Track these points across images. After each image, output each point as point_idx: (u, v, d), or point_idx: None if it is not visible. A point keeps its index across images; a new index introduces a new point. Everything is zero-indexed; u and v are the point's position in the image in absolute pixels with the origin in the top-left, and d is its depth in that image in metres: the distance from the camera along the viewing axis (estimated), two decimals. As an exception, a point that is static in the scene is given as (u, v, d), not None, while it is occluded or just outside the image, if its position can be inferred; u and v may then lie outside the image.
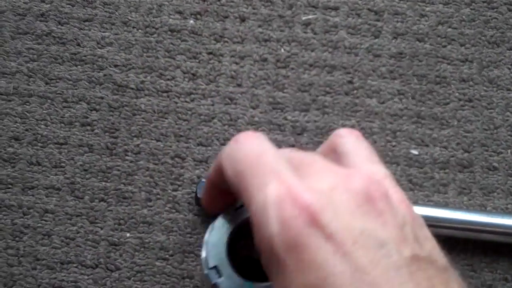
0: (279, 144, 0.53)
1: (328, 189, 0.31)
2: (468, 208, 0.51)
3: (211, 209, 0.43)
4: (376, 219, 0.30)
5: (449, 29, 0.57)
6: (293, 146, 0.53)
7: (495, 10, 0.58)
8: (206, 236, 0.40)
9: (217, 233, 0.40)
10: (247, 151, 0.34)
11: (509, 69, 0.56)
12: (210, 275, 0.39)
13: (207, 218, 0.51)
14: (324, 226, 0.29)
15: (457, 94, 0.55)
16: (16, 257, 0.49)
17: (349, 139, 0.37)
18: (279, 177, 0.31)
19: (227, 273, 0.39)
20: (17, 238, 0.50)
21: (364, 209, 0.30)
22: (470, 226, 0.48)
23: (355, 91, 0.55)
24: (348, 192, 0.31)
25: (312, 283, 0.28)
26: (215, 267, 0.39)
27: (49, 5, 0.58)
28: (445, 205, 0.51)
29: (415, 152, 0.53)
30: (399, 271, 0.28)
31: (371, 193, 0.31)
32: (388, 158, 0.52)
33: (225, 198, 0.41)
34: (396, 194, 0.32)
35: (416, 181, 0.52)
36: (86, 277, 0.49)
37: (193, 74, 0.56)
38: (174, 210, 0.51)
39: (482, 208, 0.51)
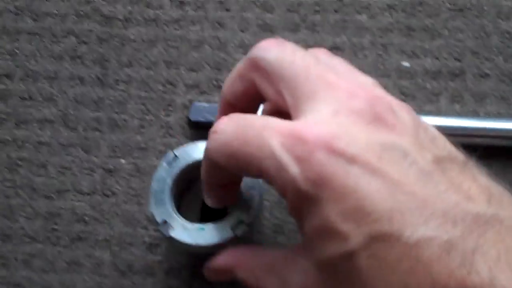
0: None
1: (330, 116, 0.30)
2: (460, 115, 0.50)
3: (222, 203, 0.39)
4: (390, 133, 0.29)
5: None
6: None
7: None
8: (150, 192, 0.40)
9: (159, 185, 0.40)
10: (228, 131, 0.32)
11: (499, -23, 0.54)
12: (162, 230, 0.38)
13: (202, 141, 0.50)
14: (344, 151, 0.28)
15: (447, 4, 0.54)
16: (13, 189, 0.49)
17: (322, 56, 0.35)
18: (273, 128, 0.30)
19: (178, 223, 0.38)
20: (13, 171, 0.50)
21: (375, 125, 0.29)
22: (463, 132, 0.47)
23: (344, 8, 0.54)
24: (354, 114, 0.29)
25: (351, 208, 0.27)
26: (164, 222, 0.39)
27: None
28: (438, 114, 0.50)
29: (406, 64, 0.52)
30: (430, 176, 0.27)
31: (376, 110, 0.30)
32: (379, 72, 0.51)
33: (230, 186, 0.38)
34: (395, 102, 0.32)
35: (408, 92, 0.51)
36: (83, 203, 0.49)
37: (181, 2, 0.55)
38: (167, 135, 0.51)
39: (475, 115, 0.50)
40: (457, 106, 0.50)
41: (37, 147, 0.51)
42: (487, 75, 0.51)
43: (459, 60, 0.52)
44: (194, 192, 0.45)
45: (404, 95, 0.51)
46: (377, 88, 0.32)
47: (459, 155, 0.30)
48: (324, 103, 0.30)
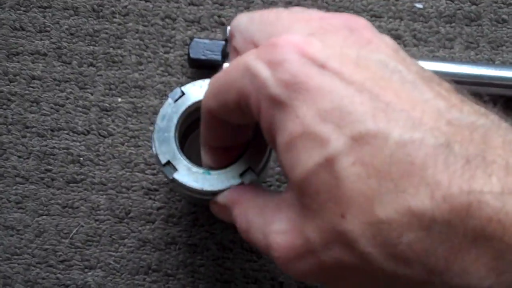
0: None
1: (307, 34, 0.27)
2: (475, 63, 0.46)
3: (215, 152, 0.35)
4: (368, 46, 0.26)
5: None
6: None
7: None
8: (154, 129, 0.36)
9: (164, 123, 0.36)
10: (217, 76, 0.31)
11: None
12: (166, 171, 0.35)
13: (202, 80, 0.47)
14: (316, 56, 0.25)
15: None
16: (5, 125, 0.46)
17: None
18: (248, 53, 0.28)
19: (183, 165, 0.35)
20: (4, 106, 0.46)
21: (352, 39, 0.27)
22: (477, 80, 0.44)
23: None
24: (330, 30, 0.27)
25: (328, 108, 0.24)
26: (168, 163, 0.35)
27: None
28: (451, 60, 0.46)
29: (419, 5, 0.48)
30: (415, 83, 0.25)
31: (353, 25, 0.27)
32: (391, 13, 0.47)
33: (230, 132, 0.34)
34: (373, 27, 0.28)
35: (420, 36, 0.47)
36: (78, 143, 0.46)
37: None
38: (166, 73, 0.47)
39: (490, 63, 0.46)
40: (471, 53, 0.47)
41: (29, 82, 0.47)
42: (504, 20, 0.48)
43: (475, 4, 0.48)
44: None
45: (416, 39, 0.47)
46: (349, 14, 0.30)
47: (449, 85, 0.26)
48: (298, 30, 0.28)
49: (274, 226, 0.28)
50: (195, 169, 0.35)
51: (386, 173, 0.23)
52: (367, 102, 0.24)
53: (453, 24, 0.48)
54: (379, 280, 0.24)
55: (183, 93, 0.36)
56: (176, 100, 0.36)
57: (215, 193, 0.34)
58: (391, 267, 0.23)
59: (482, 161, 0.22)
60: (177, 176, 0.35)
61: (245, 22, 0.31)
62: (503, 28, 0.47)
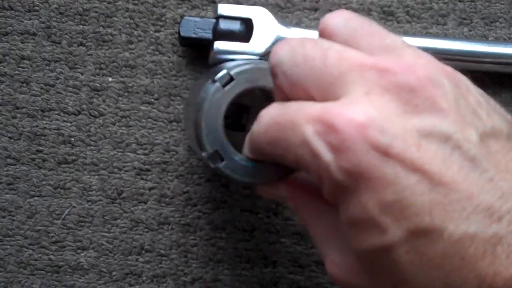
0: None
1: (363, 96, 0.26)
2: (468, 39, 0.45)
3: None
4: (430, 113, 0.25)
5: None
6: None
7: None
8: (201, 113, 0.33)
9: (213, 110, 0.33)
10: (268, 118, 0.29)
11: None
12: (211, 159, 0.33)
13: (193, 59, 0.45)
14: (378, 142, 0.25)
15: None
16: (-5, 106, 0.44)
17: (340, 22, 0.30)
18: (306, 114, 0.27)
19: (229, 154, 0.33)
20: (-6, 87, 0.45)
21: (412, 105, 0.25)
22: (470, 57, 0.43)
23: None
24: (387, 93, 0.26)
25: (389, 200, 0.25)
26: (216, 151, 0.33)
27: None
28: (445, 37, 0.45)
29: (412, -19, 0.46)
30: (474, 162, 0.25)
31: (412, 85, 0.25)
32: (383, -11, 0.46)
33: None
34: (431, 66, 0.27)
35: (413, 12, 0.46)
36: (69, 124, 0.44)
37: None
38: (157, 52, 0.45)
39: (483, 39, 0.45)
40: (465, 29, 0.46)
41: (18, 62, 0.46)
42: (498, -4, 0.46)
43: (469, -21, 0.46)
44: (245, 121, 0.39)
45: (409, 15, 0.46)
46: (408, 52, 0.27)
47: (503, 125, 0.26)
48: (353, 84, 0.26)
49: (330, 252, 0.29)
50: (240, 160, 0.33)
51: (439, 266, 0.24)
52: (427, 192, 0.24)
53: (446, 0, 0.46)
54: None
55: (231, 78, 0.34)
56: (224, 85, 0.34)
57: (256, 183, 0.33)
58: None
59: None
60: (222, 166, 0.33)
61: (288, 62, 0.28)
62: (497, 4, 0.46)
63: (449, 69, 0.27)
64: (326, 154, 0.25)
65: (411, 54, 0.27)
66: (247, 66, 0.34)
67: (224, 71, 0.33)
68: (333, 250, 0.29)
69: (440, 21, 0.46)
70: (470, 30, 0.46)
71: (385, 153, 0.24)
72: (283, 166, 0.30)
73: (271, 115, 0.29)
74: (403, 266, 0.25)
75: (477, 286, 0.24)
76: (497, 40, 0.45)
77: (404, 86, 0.25)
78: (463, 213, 0.24)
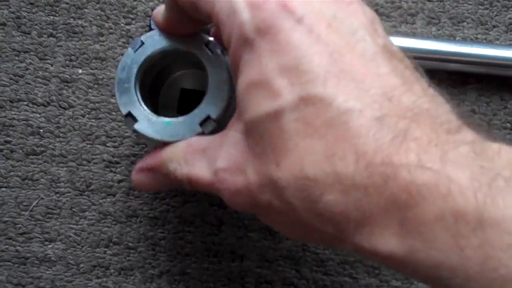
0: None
1: None
2: (436, 38, 0.44)
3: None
4: (347, 8, 0.27)
5: None
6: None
7: None
8: (115, 81, 0.34)
9: (124, 73, 0.34)
10: None
11: None
12: (127, 122, 0.33)
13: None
14: (295, 10, 0.26)
15: None
16: (-38, 96, 0.43)
17: None
18: None
19: (144, 116, 0.33)
20: (-38, 76, 0.43)
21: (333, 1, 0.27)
22: (438, 55, 0.43)
23: None
24: None
25: (288, 63, 0.25)
26: (129, 113, 0.33)
27: None
28: (413, 36, 0.44)
29: (383, -20, 0.46)
30: (374, 56, 0.26)
31: None
32: (354, -13, 0.45)
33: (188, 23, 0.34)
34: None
35: (382, 11, 0.45)
36: (38, 115, 0.43)
37: None
38: (127, 45, 0.44)
39: (451, 38, 0.45)
40: (433, 28, 0.45)
41: (-13, 52, 0.44)
42: (466, -4, 0.46)
43: (438, -21, 0.46)
44: (170, 83, 0.40)
45: (378, 14, 0.45)
46: None
47: (409, 62, 0.27)
48: None
49: (218, 163, 0.28)
50: (155, 119, 0.33)
51: (323, 135, 0.24)
52: (325, 65, 0.25)
53: (415, 0, 0.46)
54: (299, 227, 0.26)
55: (142, 43, 0.34)
56: (136, 50, 0.34)
57: (174, 142, 0.32)
58: (310, 220, 0.25)
59: (407, 136, 0.23)
60: (137, 126, 0.33)
61: None
62: (464, 4, 0.46)
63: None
64: (244, 12, 0.26)
65: None
66: (157, 32, 0.35)
67: (137, 38, 0.35)
68: (220, 159, 0.28)
69: (409, 20, 0.45)
70: (438, 30, 0.45)
71: (298, 20, 0.25)
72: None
73: None
74: (288, 135, 0.25)
75: (355, 161, 0.23)
76: (464, 40, 0.45)
77: None
78: (354, 91, 0.24)
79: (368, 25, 0.27)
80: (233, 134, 0.28)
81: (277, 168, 0.25)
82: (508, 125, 0.44)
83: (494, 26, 0.46)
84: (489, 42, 0.45)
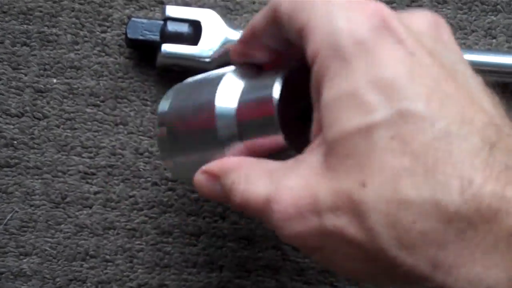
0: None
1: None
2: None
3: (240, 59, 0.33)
4: (445, 45, 0.27)
5: None
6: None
7: None
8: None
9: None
10: None
11: None
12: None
13: (140, 61, 0.43)
14: (397, 30, 0.24)
15: None
16: None
17: None
18: None
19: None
20: None
21: (433, 33, 0.27)
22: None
23: None
24: (416, 15, 0.27)
25: (386, 79, 0.23)
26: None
27: None
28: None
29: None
30: (477, 89, 0.25)
31: (436, 22, 0.28)
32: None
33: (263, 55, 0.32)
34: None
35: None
36: (11, 126, 0.42)
37: None
38: (103, 53, 0.43)
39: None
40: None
41: (-41, 62, 0.43)
42: (445, 1, 0.46)
43: (416, -17, 0.45)
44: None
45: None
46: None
47: (493, 94, 0.26)
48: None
49: (283, 181, 0.25)
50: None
51: (423, 156, 0.22)
52: (427, 85, 0.23)
53: (394, 5, 0.45)
54: (377, 262, 0.23)
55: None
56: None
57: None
58: (395, 252, 0.22)
59: None
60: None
61: None
62: (443, 9, 0.45)
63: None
64: (341, 20, 0.25)
65: None
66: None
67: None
68: (286, 179, 0.25)
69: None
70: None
71: (399, 41, 0.24)
72: None
73: None
74: (381, 153, 0.22)
75: (460, 190, 0.21)
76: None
77: (431, 19, 0.28)
78: (459, 115, 0.22)
79: (464, 62, 0.26)
80: (310, 158, 0.25)
81: (362, 189, 0.22)
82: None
83: (473, 31, 0.45)
84: (468, 47, 0.45)
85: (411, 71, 0.23)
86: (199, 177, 0.30)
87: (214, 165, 0.30)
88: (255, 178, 0.27)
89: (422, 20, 0.27)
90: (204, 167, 0.30)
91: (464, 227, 0.21)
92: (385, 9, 0.25)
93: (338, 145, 0.24)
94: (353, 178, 0.23)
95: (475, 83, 0.25)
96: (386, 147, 0.22)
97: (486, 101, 0.24)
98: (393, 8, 0.44)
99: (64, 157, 0.42)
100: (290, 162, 0.26)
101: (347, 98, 0.23)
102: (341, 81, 0.24)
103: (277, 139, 0.28)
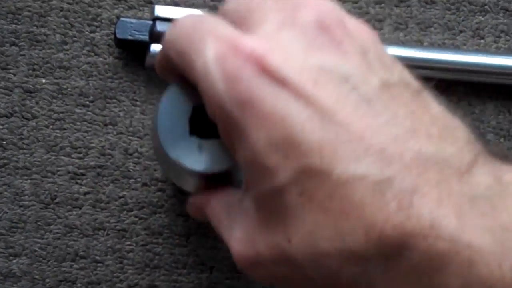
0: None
1: (274, 30, 0.25)
2: (404, 44, 0.44)
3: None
4: (335, 51, 0.24)
5: None
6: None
7: None
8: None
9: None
10: (183, 26, 0.27)
11: None
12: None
13: (129, 61, 0.43)
14: (275, 71, 0.23)
15: None
16: None
17: None
18: (216, 34, 0.25)
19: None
20: None
21: (318, 41, 0.24)
22: (406, 62, 0.41)
23: None
24: (298, 27, 0.24)
25: (279, 137, 0.23)
26: None
27: None
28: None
29: (350, -15, 0.45)
30: (371, 104, 0.23)
31: (324, 22, 0.24)
32: (321, -7, 0.44)
33: None
34: (352, 20, 0.26)
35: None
36: (0, 126, 0.41)
37: None
38: (92, 53, 0.43)
39: (418, 44, 0.44)
40: (401, 34, 0.45)
41: None
42: (433, 2, 0.46)
43: (405, -16, 0.45)
44: None
45: (346, 19, 0.44)
46: (330, 2, 0.26)
47: (414, 82, 0.25)
48: (270, 21, 0.25)
49: (233, 232, 0.27)
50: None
51: (327, 209, 0.22)
52: (318, 130, 0.22)
53: (382, 5, 0.45)
54: None
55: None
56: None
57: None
58: None
59: (415, 196, 0.21)
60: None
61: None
62: (432, 10, 0.45)
63: (359, 21, 0.27)
64: (219, 83, 0.24)
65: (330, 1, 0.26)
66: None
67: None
68: (234, 229, 0.27)
69: (376, 26, 0.45)
70: (406, 35, 0.45)
71: (281, 84, 0.23)
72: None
73: (187, 25, 0.26)
74: (295, 210, 0.23)
75: (365, 235, 0.22)
76: (432, 46, 0.44)
77: (317, 23, 0.24)
78: (353, 154, 0.22)
79: (360, 64, 0.24)
80: (246, 200, 0.26)
81: (290, 245, 0.24)
82: (476, 130, 0.43)
83: (461, 31, 0.45)
84: (456, 47, 0.45)
85: (298, 118, 0.23)
86: (189, 209, 0.34)
87: (193, 200, 0.32)
88: (222, 217, 0.29)
89: (308, 24, 0.25)
90: (190, 200, 0.33)
91: (380, 264, 0.22)
92: (260, 45, 0.24)
93: (261, 203, 0.25)
94: (281, 234, 0.24)
95: (373, 92, 0.23)
96: (297, 204, 0.23)
97: (386, 112, 0.23)
98: (381, 9, 0.44)
99: (53, 157, 0.42)
100: (237, 199, 0.27)
101: (252, 164, 0.24)
102: (242, 148, 0.24)
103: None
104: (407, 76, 0.25)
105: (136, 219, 0.41)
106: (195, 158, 0.28)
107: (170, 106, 0.29)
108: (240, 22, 0.26)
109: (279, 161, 0.23)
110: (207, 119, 0.27)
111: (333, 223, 0.22)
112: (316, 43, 0.24)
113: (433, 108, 0.24)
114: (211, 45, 0.24)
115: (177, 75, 0.28)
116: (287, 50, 0.24)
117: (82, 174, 0.42)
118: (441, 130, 0.23)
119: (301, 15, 0.25)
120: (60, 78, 0.43)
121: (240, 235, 0.26)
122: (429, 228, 0.21)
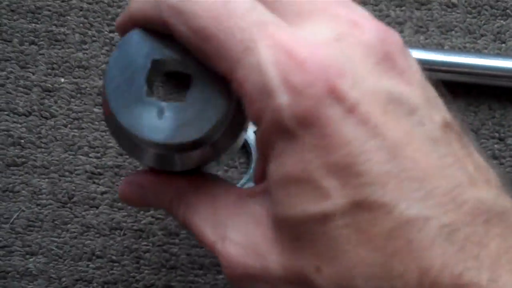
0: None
1: (332, 40, 0.22)
2: (424, 47, 0.43)
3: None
4: (401, 79, 0.22)
5: None
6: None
7: None
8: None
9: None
10: (208, 2, 0.22)
11: None
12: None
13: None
14: (346, 96, 0.21)
15: None
16: None
17: None
18: (267, 32, 0.22)
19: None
20: None
21: (384, 66, 0.22)
22: (426, 65, 0.41)
23: None
24: (361, 45, 0.22)
25: (340, 162, 0.21)
26: None
27: None
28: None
29: (370, -13, 0.44)
30: (437, 144, 0.21)
31: (387, 48, 0.22)
32: (341, -5, 0.44)
33: None
34: (408, 50, 0.24)
35: (370, 19, 0.44)
36: (19, 125, 0.41)
37: None
38: (111, 53, 0.42)
39: (439, 47, 0.43)
40: (421, 37, 0.44)
41: (-33, 60, 0.42)
42: (454, 5, 0.45)
43: (426, -13, 0.45)
44: None
45: (366, 22, 0.44)
46: (381, 23, 0.24)
47: (455, 122, 0.23)
48: (323, 25, 0.22)
49: (229, 232, 0.24)
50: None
51: (380, 246, 0.21)
52: (383, 164, 0.21)
53: (403, 8, 0.45)
54: None
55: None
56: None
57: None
58: None
59: (476, 247, 0.20)
60: None
61: None
62: (453, 13, 0.45)
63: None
64: (282, 95, 0.21)
65: (367, 14, 0.24)
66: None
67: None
68: (232, 229, 0.24)
69: (397, 29, 0.44)
70: (426, 39, 0.44)
71: (349, 109, 0.21)
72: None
73: (211, 3, 0.22)
74: (338, 242, 0.21)
75: (418, 279, 0.20)
76: (453, 49, 0.44)
77: (379, 46, 0.22)
78: (418, 193, 0.20)
79: (423, 97, 0.22)
80: (256, 209, 0.24)
81: (318, 274, 0.22)
82: (496, 134, 0.43)
83: (482, 35, 0.45)
84: (477, 51, 0.44)
85: (364, 147, 0.21)
86: (124, 188, 0.28)
87: (142, 178, 0.28)
88: (197, 204, 0.26)
89: (371, 45, 0.22)
90: (128, 179, 0.28)
91: None
92: (330, 61, 0.21)
93: (290, 226, 0.23)
94: (308, 260, 0.22)
95: (436, 131, 0.22)
96: (342, 236, 0.21)
97: (451, 155, 0.22)
98: (402, 12, 0.44)
99: (71, 156, 0.42)
100: (235, 201, 0.25)
101: (298, 181, 0.22)
102: (290, 162, 0.22)
103: None
104: (451, 115, 0.24)
105: (153, 219, 0.41)
106: (153, 126, 0.24)
107: (123, 59, 0.24)
108: (281, 9, 0.23)
109: (335, 186, 0.21)
110: (171, 76, 0.21)
111: (382, 261, 0.21)
112: (382, 67, 0.22)
113: (474, 155, 0.23)
114: (264, 47, 0.21)
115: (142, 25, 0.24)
116: (356, 70, 0.22)
117: (100, 174, 0.41)
118: (488, 180, 0.22)
119: (363, 32, 0.22)
120: (79, 77, 0.43)
121: (241, 240, 0.24)
122: (487, 282, 0.20)
